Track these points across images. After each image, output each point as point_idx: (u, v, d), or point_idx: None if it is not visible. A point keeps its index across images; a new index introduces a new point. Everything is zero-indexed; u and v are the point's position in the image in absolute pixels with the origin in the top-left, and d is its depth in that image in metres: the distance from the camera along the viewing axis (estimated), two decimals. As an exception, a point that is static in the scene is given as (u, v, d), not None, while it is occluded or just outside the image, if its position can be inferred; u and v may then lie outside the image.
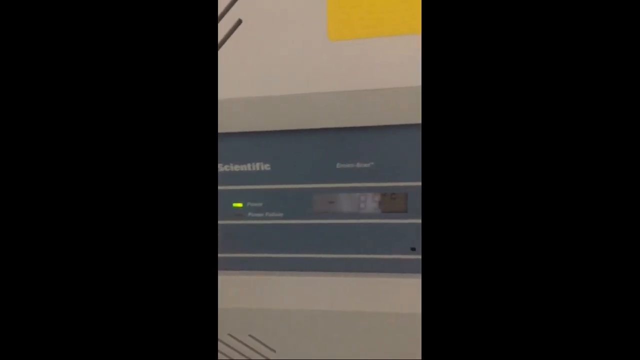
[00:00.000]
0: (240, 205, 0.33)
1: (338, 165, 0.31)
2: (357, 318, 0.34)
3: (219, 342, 0.37)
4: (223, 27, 0.29)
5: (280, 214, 0.33)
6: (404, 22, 0.27)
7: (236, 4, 0.29)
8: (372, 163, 0.31)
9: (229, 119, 0.30)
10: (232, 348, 0.37)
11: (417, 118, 0.28)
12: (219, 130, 0.30)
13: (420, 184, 0.31)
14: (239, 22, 0.29)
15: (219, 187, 0.33)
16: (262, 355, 0.37)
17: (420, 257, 0.32)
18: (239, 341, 0.37)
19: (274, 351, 0.37)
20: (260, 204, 0.33)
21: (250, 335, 0.36)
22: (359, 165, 0.31)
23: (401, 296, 0.32)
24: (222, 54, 0.29)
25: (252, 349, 0.37)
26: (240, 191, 0.33)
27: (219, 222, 0.34)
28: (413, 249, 0.32)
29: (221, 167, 0.32)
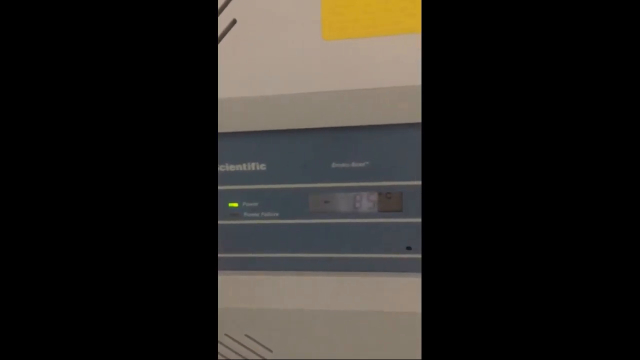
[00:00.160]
0: (235, 205, 0.33)
1: (333, 165, 0.31)
2: (353, 317, 0.34)
3: (215, 342, 0.37)
4: (218, 27, 0.29)
5: (276, 214, 0.33)
6: (398, 21, 0.27)
7: (230, 4, 0.29)
8: (367, 162, 0.31)
9: (224, 119, 0.30)
10: (228, 348, 0.37)
11: (412, 117, 0.28)
12: (214, 130, 0.30)
13: (415, 183, 0.31)
14: (234, 22, 0.29)
15: (215, 187, 0.33)
16: (259, 355, 0.37)
17: (416, 256, 0.32)
18: (236, 341, 0.37)
19: (271, 351, 0.37)
20: (255, 204, 0.33)
21: (246, 335, 0.36)
22: (354, 164, 0.31)
23: (397, 295, 0.32)
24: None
25: (248, 349, 0.37)
26: (236, 191, 0.33)
27: (215, 222, 0.34)
28: (409, 248, 0.32)
29: (217, 167, 0.32)
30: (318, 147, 0.31)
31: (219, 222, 0.34)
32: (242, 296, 0.34)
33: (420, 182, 0.30)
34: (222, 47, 0.29)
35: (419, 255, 0.32)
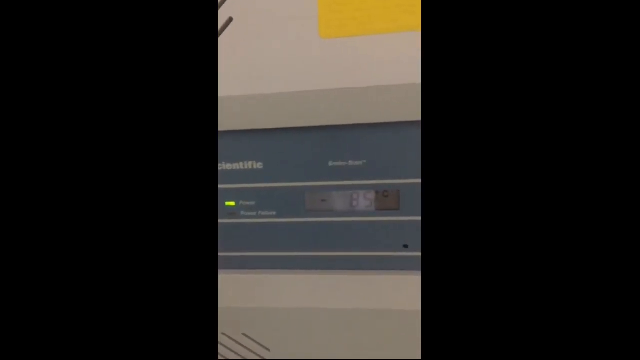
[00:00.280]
0: (232, 204, 0.33)
1: (330, 164, 0.31)
2: (350, 315, 0.34)
3: (212, 342, 0.37)
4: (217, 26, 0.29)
5: (273, 213, 0.33)
6: (395, 20, 0.27)
7: (227, 2, 0.29)
8: (364, 161, 0.31)
9: (221, 118, 0.30)
10: (226, 347, 0.37)
11: (408, 116, 0.28)
12: (211, 129, 0.30)
13: (412, 181, 0.31)
14: (230, 20, 0.29)
15: (212, 186, 0.33)
16: (257, 354, 0.37)
17: (413, 254, 0.32)
18: (233, 340, 0.37)
19: (269, 350, 0.37)
20: (252, 203, 0.33)
21: (244, 334, 0.36)
22: (351, 163, 0.31)
23: (395, 293, 0.32)
24: (213, 52, 0.29)
25: (246, 348, 0.37)
26: (233, 190, 0.33)
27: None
28: (406, 246, 0.32)
29: (213, 166, 0.32)
30: (315, 146, 0.31)
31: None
32: (240, 295, 0.34)
33: (417, 180, 0.30)
34: (219, 45, 0.29)
35: (416, 254, 0.32)
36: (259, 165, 0.32)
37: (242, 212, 0.33)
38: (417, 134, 0.29)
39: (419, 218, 0.31)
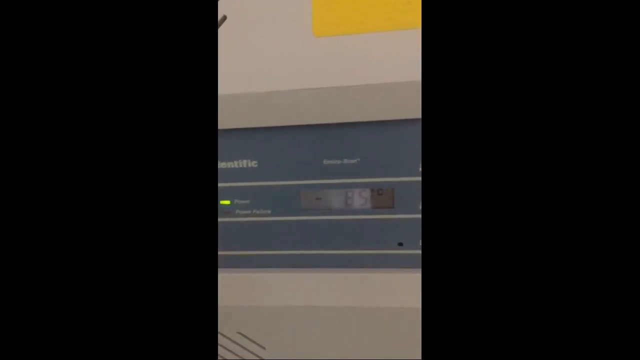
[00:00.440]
0: (227, 202, 0.33)
1: (325, 162, 0.31)
2: (345, 313, 0.34)
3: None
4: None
5: (268, 211, 0.33)
6: (388, 18, 0.27)
7: (221, 0, 0.29)
8: (359, 159, 0.31)
9: (215, 116, 0.30)
10: (221, 346, 0.37)
11: (402, 114, 0.28)
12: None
13: (407, 179, 0.31)
14: (224, 18, 0.29)
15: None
16: (252, 353, 0.37)
17: (408, 251, 0.32)
18: (228, 339, 0.37)
19: (264, 348, 0.37)
20: (247, 201, 0.33)
21: (239, 333, 0.36)
22: (345, 161, 0.31)
23: (390, 291, 0.32)
24: (207, 51, 0.29)
25: (241, 346, 0.37)
26: (228, 188, 0.33)
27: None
28: (400, 244, 0.32)
29: (208, 165, 0.32)
30: (309, 144, 0.31)
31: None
32: (235, 294, 0.34)
33: (411, 178, 0.31)
34: (213, 44, 0.29)
35: (411, 251, 0.32)
36: (253, 164, 0.32)
37: (237, 211, 0.33)
38: (411, 132, 0.29)
39: (414, 216, 0.31)
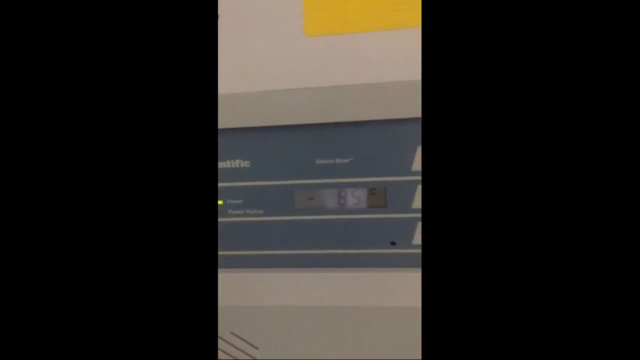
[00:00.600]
0: (220, 202, 0.33)
1: (318, 162, 0.31)
2: (339, 312, 0.34)
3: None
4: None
5: (261, 211, 0.33)
6: (380, 18, 0.27)
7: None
8: (352, 159, 0.31)
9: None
10: (214, 346, 0.37)
11: (395, 113, 0.28)
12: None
13: (399, 178, 0.31)
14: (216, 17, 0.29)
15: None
16: (246, 353, 0.37)
17: (400, 251, 0.32)
18: (222, 339, 0.37)
19: (257, 348, 0.37)
20: (240, 201, 0.33)
21: (232, 333, 0.36)
22: (338, 161, 0.31)
23: (383, 290, 0.32)
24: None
25: (234, 346, 0.37)
26: (220, 188, 0.33)
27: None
28: (393, 244, 0.32)
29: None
30: (302, 144, 0.31)
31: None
32: (228, 294, 0.34)
33: (404, 178, 0.31)
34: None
35: (404, 250, 0.32)
36: (246, 164, 0.32)
37: (230, 211, 0.33)
38: (403, 132, 0.29)
39: (406, 215, 0.32)
